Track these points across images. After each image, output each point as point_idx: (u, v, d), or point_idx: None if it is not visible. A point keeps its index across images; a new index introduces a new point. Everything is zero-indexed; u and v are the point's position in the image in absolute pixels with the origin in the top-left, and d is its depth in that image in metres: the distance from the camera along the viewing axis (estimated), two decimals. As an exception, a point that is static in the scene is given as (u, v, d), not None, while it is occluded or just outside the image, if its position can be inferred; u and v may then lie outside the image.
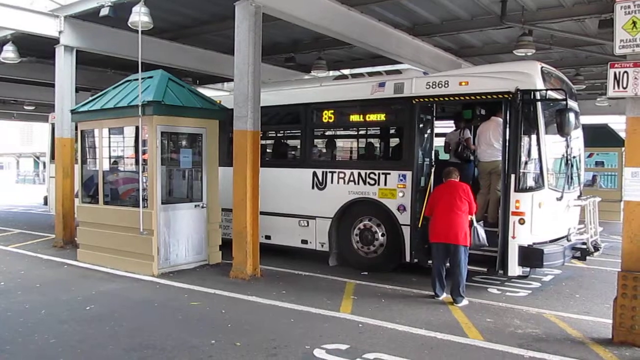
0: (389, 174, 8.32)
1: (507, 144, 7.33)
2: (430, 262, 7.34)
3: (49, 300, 6.87)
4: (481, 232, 7.01)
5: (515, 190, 7.18)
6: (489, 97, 7.60)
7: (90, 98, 9.74)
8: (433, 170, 8.08)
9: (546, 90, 7.29)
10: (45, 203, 15.26)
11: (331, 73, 14.05)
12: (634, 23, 5.27)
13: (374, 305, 6.71)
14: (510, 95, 7.26)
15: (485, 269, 7.61)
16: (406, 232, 8.10)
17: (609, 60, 5.59)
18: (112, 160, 9.45)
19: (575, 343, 5.47)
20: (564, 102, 7.12)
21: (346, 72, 14.08)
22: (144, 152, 8.51)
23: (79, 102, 10.25)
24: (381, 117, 8.91)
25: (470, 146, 8.86)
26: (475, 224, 7.00)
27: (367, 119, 9.04)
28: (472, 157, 8.89)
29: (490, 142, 8.04)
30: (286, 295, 7.13)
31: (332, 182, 8.92)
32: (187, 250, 8.78)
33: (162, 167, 8.53)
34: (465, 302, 6.81)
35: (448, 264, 6.99)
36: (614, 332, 5.41)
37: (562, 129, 7.03)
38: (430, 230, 7.07)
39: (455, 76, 8.06)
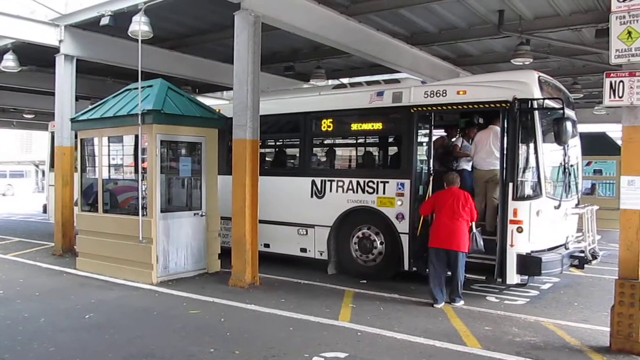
0: (388, 182, 8.35)
1: (505, 153, 7.38)
2: (428, 269, 7.37)
3: (48, 309, 6.87)
4: (479, 238, 7.18)
5: (513, 199, 7.21)
6: (486, 106, 7.65)
7: (90, 107, 9.78)
8: (431, 178, 8.12)
9: (543, 99, 7.33)
10: (45, 211, 15.25)
11: (330, 82, 14.11)
12: (629, 33, 5.31)
13: (373, 314, 6.72)
14: (508, 104, 7.32)
15: (484, 277, 7.66)
16: (405, 240, 8.11)
17: (606, 69, 5.64)
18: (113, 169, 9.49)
19: (574, 351, 5.49)
20: (561, 111, 7.16)
21: (345, 81, 14.15)
22: (143, 161, 8.54)
23: (79, 110, 10.27)
24: (379, 125, 8.95)
25: (455, 153, 8.92)
26: (474, 229, 7.17)
27: (366, 128, 9.07)
28: (454, 164, 8.95)
29: (491, 150, 8.06)
30: (285, 304, 7.14)
31: (330, 190, 8.95)
32: (186, 259, 8.79)
33: (161, 175, 8.55)
34: (462, 302, 7.09)
35: (449, 272, 7.18)
36: (612, 340, 5.42)
37: (560, 138, 7.08)
38: (432, 236, 7.19)
39: (453, 85, 8.11)
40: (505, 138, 7.38)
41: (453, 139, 9.41)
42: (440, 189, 7.47)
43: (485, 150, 8.13)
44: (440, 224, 7.10)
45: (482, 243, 7.17)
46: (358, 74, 15.17)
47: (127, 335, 5.86)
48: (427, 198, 7.82)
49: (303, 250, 9.28)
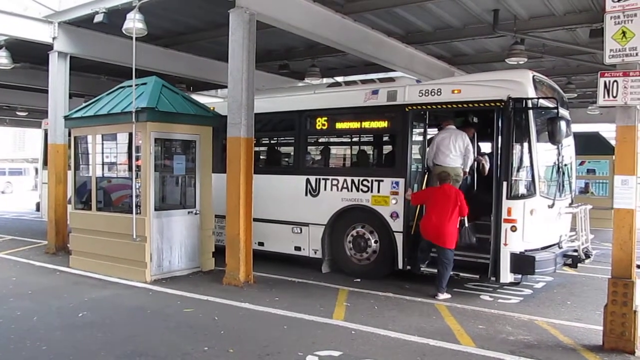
0: (382, 181, 8.35)
1: (499, 152, 7.41)
2: (422, 269, 7.99)
3: (41, 307, 6.84)
4: (471, 233, 7.54)
5: (507, 198, 7.24)
6: (481, 105, 7.67)
7: (84, 104, 9.72)
8: (426, 177, 8.14)
9: (538, 98, 7.37)
10: (38, 209, 15.16)
11: (325, 80, 14.10)
12: (624, 33, 5.34)
13: (367, 312, 6.72)
14: (502, 104, 7.34)
15: (478, 276, 7.66)
16: (399, 239, 8.13)
17: (600, 69, 5.66)
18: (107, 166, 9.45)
19: (567, 350, 5.51)
20: (555, 111, 7.19)
21: (340, 79, 14.13)
22: (137, 159, 8.50)
23: (73, 108, 10.23)
24: (374, 124, 8.92)
25: None
26: (466, 224, 7.46)
27: (360, 127, 9.04)
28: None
29: (452, 149, 8.05)
30: (279, 302, 7.14)
31: (325, 189, 8.94)
32: (180, 257, 8.76)
33: (155, 173, 8.52)
34: (446, 295, 7.40)
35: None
36: (605, 339, 5.45)
37: (554, 137, 7.12)
38: (422, 229, 7.57)
39: (448, 84, 8.13)
40: (500, 137, 7.42)
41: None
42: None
43: (450, 149, 8.09)
44: (429, 220, 7.41)
45: (473, 238, 7.53)
46: (353, 73, 15.16)
47: (121, 333, 5.84)
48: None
49: (297, 248, 9.27)
